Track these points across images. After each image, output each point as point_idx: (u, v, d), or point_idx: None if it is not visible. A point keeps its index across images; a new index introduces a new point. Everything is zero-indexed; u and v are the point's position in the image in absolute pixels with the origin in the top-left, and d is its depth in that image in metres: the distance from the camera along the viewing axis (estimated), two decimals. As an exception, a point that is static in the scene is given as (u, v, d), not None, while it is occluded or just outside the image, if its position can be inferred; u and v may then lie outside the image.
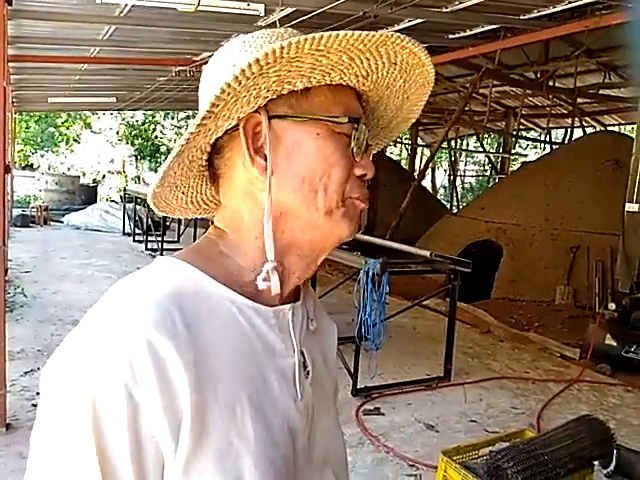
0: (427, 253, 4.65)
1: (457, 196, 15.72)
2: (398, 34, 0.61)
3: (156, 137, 20.81)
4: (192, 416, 0.55)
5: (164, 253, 9.22)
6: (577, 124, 11.56)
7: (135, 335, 0.55)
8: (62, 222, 13.29)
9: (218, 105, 0.60)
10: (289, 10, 5.66)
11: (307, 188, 0.64)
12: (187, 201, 0.74)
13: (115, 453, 0.53)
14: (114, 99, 12.01)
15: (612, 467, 3.05)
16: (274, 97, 0.63)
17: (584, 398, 4.37)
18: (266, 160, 0.64)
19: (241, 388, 0.60)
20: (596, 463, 2.78)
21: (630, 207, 5.30)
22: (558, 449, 2.40)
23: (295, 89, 0.63)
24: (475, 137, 16.11)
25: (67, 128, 20.59)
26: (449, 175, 14.90)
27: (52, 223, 13.27)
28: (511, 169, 13.51)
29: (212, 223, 0.72)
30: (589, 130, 11.93)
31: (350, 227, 0.67)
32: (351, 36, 0.59)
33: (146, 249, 10.02)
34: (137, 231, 11.12)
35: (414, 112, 0.74)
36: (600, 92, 10.23)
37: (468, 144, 19.16)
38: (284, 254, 0.67)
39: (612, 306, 5.07)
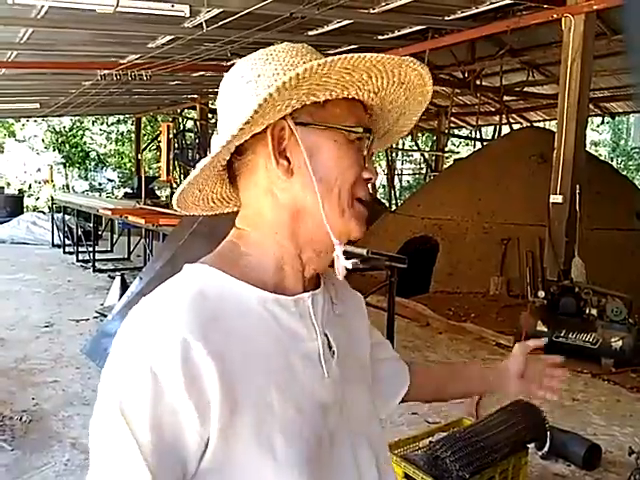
0: (364, 251, 4.67)
1: (395, 194, 16.00)
2: (412, 58, 0.72)
3: (85, 143, 20.04)
4: (221, 399, 0.63)
5: (97, 264, 8.90)
6: (504, 121, 12.01)
7: (171, 335, 0.63)
8: (-14, 236, 12.53)
9: (258, 112, 0.67)
10: (216, 11, 5.57)
11: (324, 188, 0.72)
12: (200, 198, 0.82)
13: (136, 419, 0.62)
14: (37, 105, 11.48)
15: (546, 448, 3.18)
16: (298, 107, 0.71)
17: (519, 384, 4.51)
18: (289, 162, 0.73)
19: (269, 374, 0.68)
20: (531, 446, 2.88)
21: (554, 198, 5.53)
22: (493, 435, 2.46)
23: (317, 100, 0.72)
24: (410, 136, 16.44)
25: (-12, 137, 19.49)
26: (387, 174, 15.08)
27: (-26, 238, 12.49)
28: (445, 166, 13.89)
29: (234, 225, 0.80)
30: (516, 126, 12.43)
31: (360, 228, 0.76)
32: (375, 57, 0.69)
33: (77, 260, 9.62)
34: (67, 242, 10.65)
35: (407, 125, 0.85)
36: (525, 90, 10.69)
37: (404, 143, 19.53)
38: (302, 250, 0.76)
39: (542, 294, 5.25)
